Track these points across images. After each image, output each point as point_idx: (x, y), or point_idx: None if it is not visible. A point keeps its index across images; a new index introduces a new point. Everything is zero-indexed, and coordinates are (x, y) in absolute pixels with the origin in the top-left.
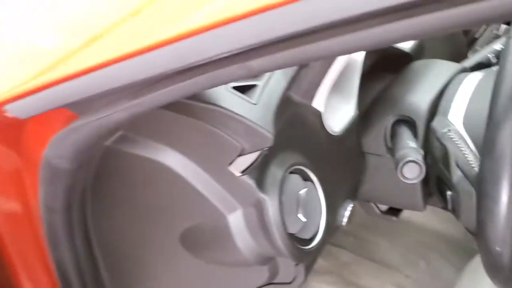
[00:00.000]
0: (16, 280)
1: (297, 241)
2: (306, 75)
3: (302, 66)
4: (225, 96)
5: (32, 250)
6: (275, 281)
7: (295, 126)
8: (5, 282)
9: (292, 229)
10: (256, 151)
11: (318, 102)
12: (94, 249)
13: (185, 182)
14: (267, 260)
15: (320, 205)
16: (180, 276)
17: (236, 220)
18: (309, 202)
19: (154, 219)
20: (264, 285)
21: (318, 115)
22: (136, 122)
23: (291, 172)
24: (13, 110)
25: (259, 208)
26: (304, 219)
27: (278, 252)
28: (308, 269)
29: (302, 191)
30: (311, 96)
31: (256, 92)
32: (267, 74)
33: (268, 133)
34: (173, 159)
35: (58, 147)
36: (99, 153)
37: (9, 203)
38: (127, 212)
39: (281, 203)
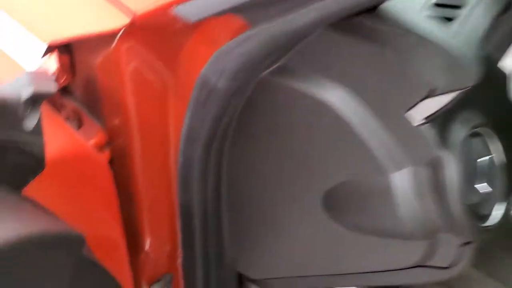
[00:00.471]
0: (139, 219)
1: (471, 215)
2: (505, 23)
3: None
4: (420, 19)
5: (161, 188)
6: (429, 263)
7: (481, 82)
8: (128, 219)
9: (468, 200)
10: (453, 91)
11: (508, 62)
12: (222, 192)
13: (348, 127)
14: (428, 234)
15: (503, 179)
16: (312, 240)
17: (402, 180)
18: (489, 173)
19: (298, 167)
20: (414, 267)
21: (503, 77)
22: (301, 50)
23: (472, 135)
24: (184, 11)
25: (436, 167)
26: (483, 191)
27: (447, 223)
28: (472, 257)
29: (484, 159)
30: (503, 51)
31: (459, 18)
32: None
33: (474, 68)
34: (338, 97)
35: (221, 62)
36: (254, 82)
37: (148, 127)
38: (270, 153)
39: (463, 166)
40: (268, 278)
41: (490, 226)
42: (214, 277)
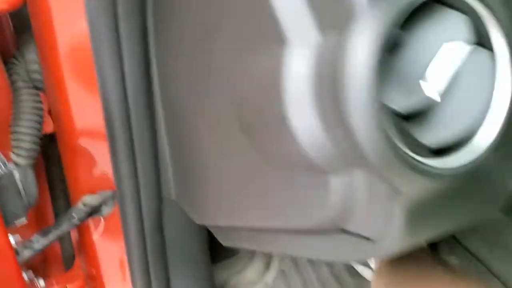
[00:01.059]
0: None
1: (404, 134)
2: None
3: None
4: None
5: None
6: (349, 227)
7: None
8: None
9: (396, 103)
10: None
11: None
12: (157, 112)
13: None
14: (333, 166)
15: (492, 81)
16: (240, 177)
17: (298, 61)
18: (467, 72)
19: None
20: (336, 232)
21: None
22: None
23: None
24: None
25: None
26: (432, 96)
27: (355, 149)
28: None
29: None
30: None
31: None
32: None
33: None
34: None
35: None
36: None
37: None
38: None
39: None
40: (212, 226)
41: (453, 169)
42: (151, 209)
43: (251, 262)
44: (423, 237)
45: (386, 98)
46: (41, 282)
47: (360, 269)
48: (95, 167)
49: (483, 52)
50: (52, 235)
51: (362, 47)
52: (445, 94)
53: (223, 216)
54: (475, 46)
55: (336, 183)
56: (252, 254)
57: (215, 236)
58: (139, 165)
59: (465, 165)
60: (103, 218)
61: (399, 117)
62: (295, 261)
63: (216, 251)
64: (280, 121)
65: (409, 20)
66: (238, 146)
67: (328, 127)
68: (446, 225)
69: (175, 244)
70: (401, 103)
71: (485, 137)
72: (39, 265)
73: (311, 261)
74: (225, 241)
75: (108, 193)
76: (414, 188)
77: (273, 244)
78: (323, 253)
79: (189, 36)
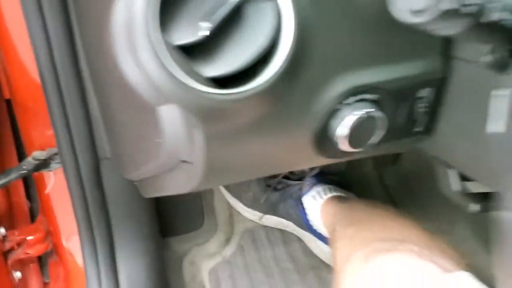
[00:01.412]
0: None
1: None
2: None
3: None
4: None
5: None
6: (181, 155)
7: None
8: None
9: (178, 38)
10: None
11: None
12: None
13: None
14: (155, 97)
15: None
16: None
17: (118, 10)
18: (250, 17)
19: None
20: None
21: None
22: None
23: None
24: None
25: None
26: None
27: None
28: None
29: None
30: None
31: None
32: None
33: None
34: None
35: None
36: None
37: None
38: None
39: None
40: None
41: (230, 93)
42: (88, 167)
43: (213, 236)
44: (234, 161)
45: (174, 39)
46: (2, 230)
47: (316, 250)
48: (44, 127)
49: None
50: (0, 181)
51: None
52: (226, 34)
53: (130, 169)
54: None
55: (164, 114)
56: (215, 228)
57: (139, 190)
58: (73, 126)
59: (245, 91)
60: (54, 174)
61: (189, 54)
62: (254, 238)
63: (179, 223)
64: (113, 63)
65: None
66: (117, 98)
67: (139, 67)
68: (256, 150)
69: (115, 200)
70: (186, 40)
71: (270, 70)
72: (8, 219)
73: (269, 239)
74: (145, 194)
75: (54, 150)
76: (206, 114)
77: (155, 191)
78: (176, 187)
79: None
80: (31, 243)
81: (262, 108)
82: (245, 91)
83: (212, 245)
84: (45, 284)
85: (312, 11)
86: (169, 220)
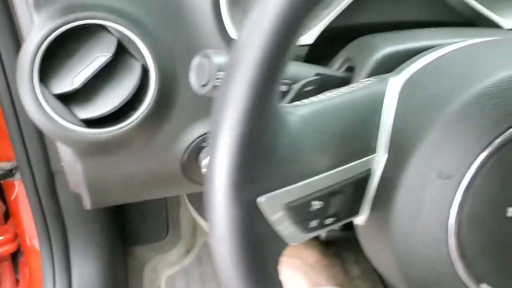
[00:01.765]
0: None
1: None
2: None
3: None
4: None
5: None
6: None
7: None
8: None
9: (57, 88)
10: None
11: None
12: None
13: None
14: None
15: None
16: None
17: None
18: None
19: None
20: None
21: None
22: None
23: None
24: None
25: None
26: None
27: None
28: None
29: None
30: None
31: None
32: None
33: None
34: None
35: None
36: None
37: None
38: None
39: None
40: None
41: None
42: (42, 179)
43: (175, 246)
44: (114, 185)
45: (54, 88)
46: None
47: None
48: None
49: (130, 58)
50: None
51: (27, 50)
52: (101, 84)
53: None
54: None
55: (60, 146)
56: (178, 239)
57: None
58: (28, 142)
59: (115, 130)
60: (18, 183)
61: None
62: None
63: (145, 233)
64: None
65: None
66: None
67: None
68: (131, 176)
69: (70, 210)
70: (63, 89)
71: (137, 113)
72: None
73: None
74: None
75: None
76: (82, 149)
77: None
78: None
79: None
80: (1, 242)
81: (133, 142)
82: (115, 130)
83: (174, 254)
84: (17, 281)
85: (174, 65)
86: (135, 230)
